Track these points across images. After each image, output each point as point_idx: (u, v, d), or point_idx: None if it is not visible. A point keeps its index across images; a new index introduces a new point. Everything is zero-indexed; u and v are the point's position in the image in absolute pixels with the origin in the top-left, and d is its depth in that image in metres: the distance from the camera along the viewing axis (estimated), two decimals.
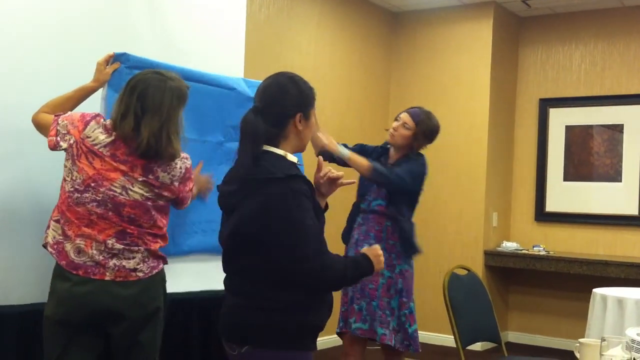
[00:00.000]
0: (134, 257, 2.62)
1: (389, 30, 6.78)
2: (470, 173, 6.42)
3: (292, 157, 2.22)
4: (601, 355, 2.14)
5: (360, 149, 3.96)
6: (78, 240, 2.57)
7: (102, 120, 2.65)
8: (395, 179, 3.69)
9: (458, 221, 6.47)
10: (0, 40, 2.82)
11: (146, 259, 2.65)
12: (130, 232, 2.61)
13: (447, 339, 5.53)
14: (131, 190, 2.59)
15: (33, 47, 2.90)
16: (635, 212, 6.20)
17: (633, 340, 2.20)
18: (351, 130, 6.07)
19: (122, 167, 2.59)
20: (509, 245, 6.41)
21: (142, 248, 2.64)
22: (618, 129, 6.34)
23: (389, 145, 3.92)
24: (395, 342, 3.68)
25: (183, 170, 2.72)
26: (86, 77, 2.86)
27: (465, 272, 3.99)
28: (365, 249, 2.31)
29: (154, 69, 2.73)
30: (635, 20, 6.28)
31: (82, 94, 2.85)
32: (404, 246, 3.76)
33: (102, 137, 2.60)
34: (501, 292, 6.63)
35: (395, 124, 3.84)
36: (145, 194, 2.62)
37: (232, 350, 2.20)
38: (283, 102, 2.21)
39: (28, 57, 2.89)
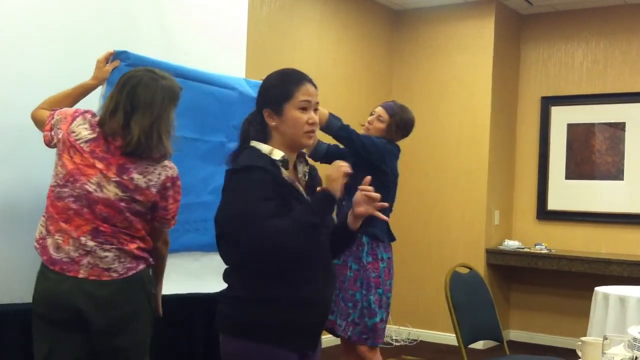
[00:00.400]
0: (106, 256, 2.53)
1: (391, 29, 6.78)
2: (472, 171, 6.41)
3: (277, 153, 2.21)
4: (603, 353, 2.14)
5: (336, 149, 3.94)
6: (57, 236, 2.53)
7: (89, 116, 2.61)
8: (354, 132, 3.63)
9: (460, 219, 6.47)
10: (0, 39, 2.82)
11: (121, 259, 2.55)
12: (103, 231, 2.53)
13: (449, 338, 5.53)
14: (106, 188, 2.53)
15: (33, 46, 2.90)
16: (638, 210, 6.19)
17: (635, 339, 2.20)
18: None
19: (99, 165, 2.53)
20: (511, 244, 6.41)
21: (114, 247, 2.54)
22: (620, 127, 6.33)
23: None
24: (352, 334, 3.68)
25: (162, 178, 2.61)
26: (86, 76, 2.86)
27: (467, 270, 3.99)
28: (324, 182, 2.22)
29: (146, 67, 2.69)
30: (637, 17, 6.26)
31: (81, 92, 2.85)
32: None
33: (85, 132, 2.56)
34: (503, 290, 6.62)
35: (370, 117, 3.89)
36: (119, 193, 2.53)
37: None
38: (257, 99, 2.30)
39: (28, 56, 2.89)
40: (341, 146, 3.95)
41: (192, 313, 3.35)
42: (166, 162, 2.62)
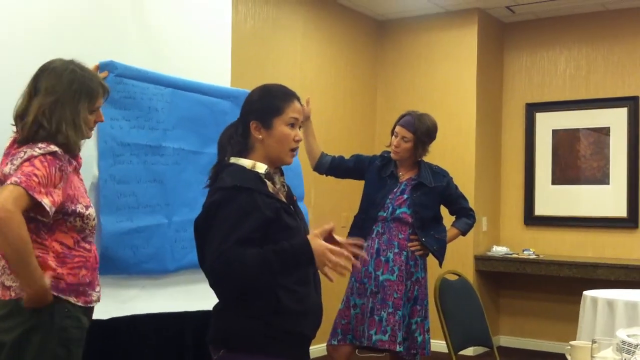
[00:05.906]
0: (2, 273, 2.24)
1: (374, 39, 6.81)
2: (459, 178, 6.37)
3: (260, 167, 2.20)
4: (592, 357, 2.14)
5: (356, 160, 3.95)
6: None
7: None
8: (472, 214, 4.23)
9: (447, 226, 6.46)
10: None
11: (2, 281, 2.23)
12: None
13: (439, 345, 5.53)
14: None
15: (17, 56, 2.84)
16: (624, 214, 6.23)
17: (624, 342, 2.21)
18: (338, 139, 6.07)
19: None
20: (499, 250, 6.43)
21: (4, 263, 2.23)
22: (604, 131, 6.37)
23: (388, 154, 3.89)
24: (403, 349, 3.69)
25: (25, 157, 2.17)
26: None
27: (455, 277, 3.99)
28: (313, 237, 2.09)
29: (71, 60, 2.40)
30: (618, 23, 6.33)
31: None
32: (440, 256, 3.92)
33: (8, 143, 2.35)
34: (492, 296, 6.64)
35: (394, 140, 3.81)
36: None
37: (213, 354, 2.19)
38: (243, 110, 2.27)
39: (13, 66, 2.82)
40: (346, 157, 3.95)
41: (184, 329, 3.31)
42: (41, 144, 2.20)
